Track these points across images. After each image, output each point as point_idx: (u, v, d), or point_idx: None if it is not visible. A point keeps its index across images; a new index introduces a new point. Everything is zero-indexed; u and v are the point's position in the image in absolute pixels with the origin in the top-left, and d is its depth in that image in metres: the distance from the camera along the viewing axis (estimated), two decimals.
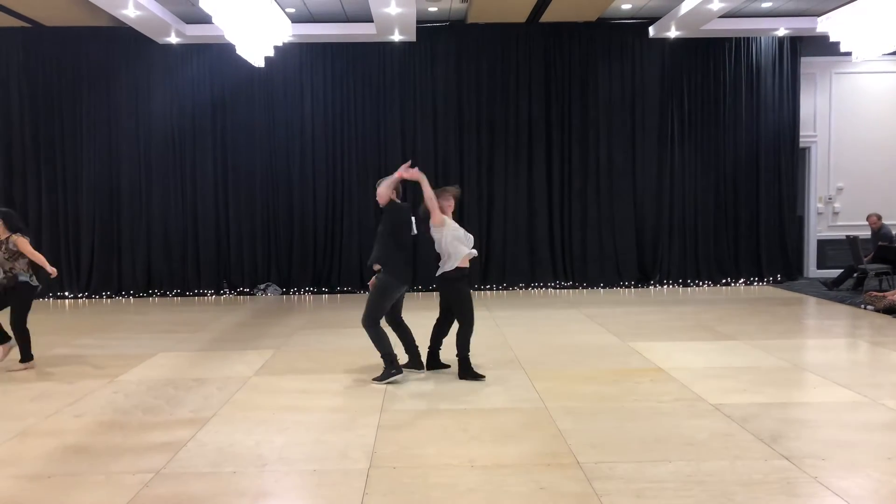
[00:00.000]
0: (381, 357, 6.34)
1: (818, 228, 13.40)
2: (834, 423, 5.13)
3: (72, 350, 8.01)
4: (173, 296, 12.32)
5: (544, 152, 12.53)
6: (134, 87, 12.24)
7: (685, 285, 12.64)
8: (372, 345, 6.39)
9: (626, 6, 11.63)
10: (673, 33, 11.92)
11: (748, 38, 12.62)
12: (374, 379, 6.36)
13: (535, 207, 12.55)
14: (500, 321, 9.39)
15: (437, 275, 6.48)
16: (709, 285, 12.63)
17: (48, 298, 12.10)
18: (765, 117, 12.73)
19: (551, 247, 12.64)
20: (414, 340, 6.68)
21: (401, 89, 12.40)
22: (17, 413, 5.60)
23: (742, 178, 12.75)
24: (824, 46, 12.12)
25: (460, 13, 11.91)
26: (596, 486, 4.06)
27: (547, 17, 11.76)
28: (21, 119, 12.18)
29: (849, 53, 10.51)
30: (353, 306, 10.60)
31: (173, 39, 11.64)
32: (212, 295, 12.38)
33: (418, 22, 11.28)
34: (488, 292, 12.32)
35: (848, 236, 11.77)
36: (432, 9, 11.52)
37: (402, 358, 6.65)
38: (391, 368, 6.30)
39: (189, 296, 12.33)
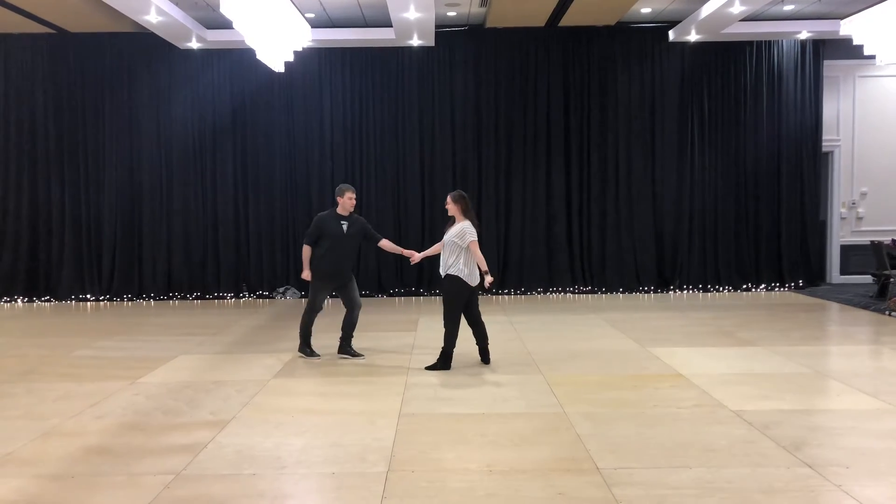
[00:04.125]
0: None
1: (841, 234, 13.23)
2: (857, 431, 5.06)
3: (93, 352, 8.09)
4: (193, 299, 12.42)
5: (563, 157, 12.50)
6: (155, 92, 12.38)
7: (705, 290, 12.53)
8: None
9: (646, 10, 11.58)
10: (693, 37, 11.85)
11: (770, 42, 12.51)
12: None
13: (554, 212, 12.51)
14: (518, 326, 9.36)
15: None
16: (729, 291, 12.51)
17: (70, 301, 12.25)
18: (786, 121, 12.60)
19: (570, 251, 12.59)
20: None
21: (419, 94, 12.43)
22: (40, 413, 5.67)
23: (763, 182, 12.63)
24: (847, 49, 11.98)
25: (479, 18, 11.92)
26: (615, 491, 4.03)
27: (566, 21, 11.74)
28: (46, 123, 12.36)
29: (872, 57, 10.37)
30: (371, 310, 10.61)
31: (194, 45, 11.75)
32: (231, 298, 12.46)
33: (437, 27, 11.31)
34: (506, 297, 12.29)
35: (872, 242, 11.61)
36: (451, 13, 11.54)
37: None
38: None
39: (209, 299, 12.41)
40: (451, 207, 6.99)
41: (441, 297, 7.11)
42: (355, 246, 7.52)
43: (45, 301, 12.29)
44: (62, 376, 6.93)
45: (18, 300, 12.28)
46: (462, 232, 6.81)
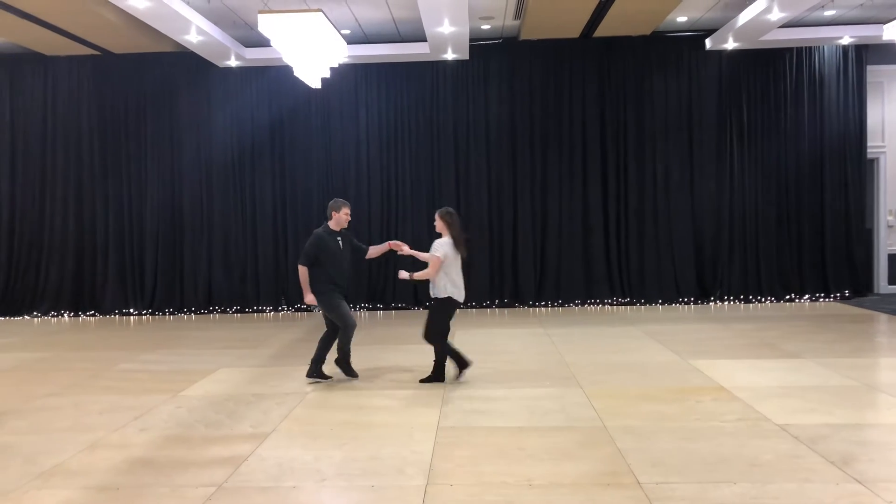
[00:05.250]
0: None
1: (889, 242, 12.89)
2: None
3: (137, 365, 8.25)
4: (233, 312, 12.59)
5: (599, 168, 12.42)
6: (196, 110, 12.66)
7: (747, 301, 12.30)
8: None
9: (682, 19, 11.49)
10: (731, 45, 11.71)
11: (810, 48, 12.30)
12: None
13: (591, 224, 12.42)
14: (556, 338, 9.29)
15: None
16: (771, 301, 12.26)
17: (114, 315, 12.51)
18: (829, 128, 12.36)
19: (608, 263, 12.47)
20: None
21: (454, 107, 12.49)
22: (87, 426, 5.80)
23: (805, 190, 12.38)
24: (892, 54, 11.74)
25: (513, 30, 11.95)
26: None
27: (601, 31, 11.69)
28: (91, 142, 12.71)
29: None
30: (408, 322, 10.65)
31: (233, 63, 11.99)
32: (270, 311, 12.61)
33: (471, 40, 11.36)
34: (543, 309, 12.21)
35: None
36: (485, 27, 11.59)
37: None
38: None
39: (248, 312, 12.57)
40: (438, 224, 6.89)
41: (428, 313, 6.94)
42: (349, 262, 7.23)
43: (90, 315, 12.58)
44: (107, 389, 7.07)
45: (65, 315, 12.59)
46: (433, 246, 6.74)
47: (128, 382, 7.34)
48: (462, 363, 6.95)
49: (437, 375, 6.91)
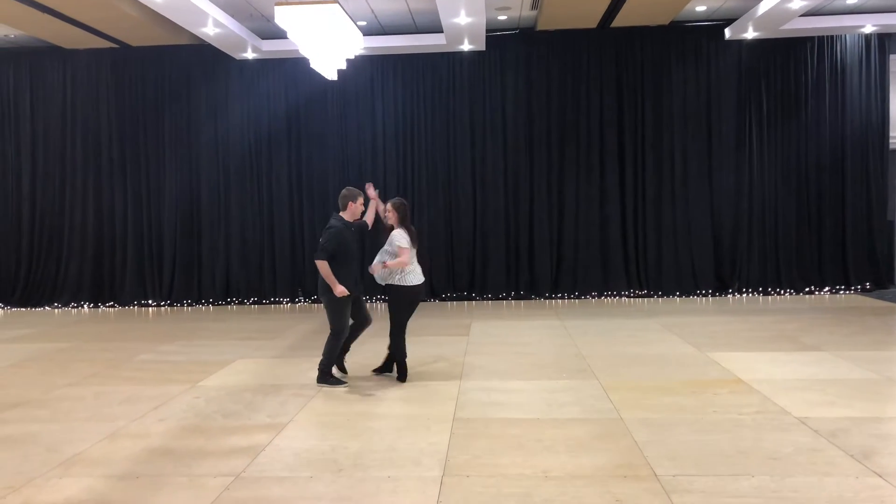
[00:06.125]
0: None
1: None
2: None
3: (156, 356, 8.33)
4: (250, 304, 12.67)
5: (617, 159, 12.34)
6: (213, 102, 12.71)
7: (765, 294, 12.19)
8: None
9: (701, 8, 11.36)
10: (750, 34, 11.57)
11: (832, 37, 12.12)
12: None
13: (608, 214, 12.35)
14: (573, 330, 9.27)
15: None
16: (791, 294, 12.15)
17: (133, 306, 12.63)
18: (850, 118, 12.19)
19: (625, 255, 12.41)
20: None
21: (470, 98, 12.45)
22: (107, 415, 5.87)
23: (826, 181, 12.23)
24: None
25: (530, 21, 11.88)
26: (675, 499, 3.95)
27: (618, 21, 11.60)
28: (109, 134, 12.81)
29: None
30: (425, 314, 10.66)
31: (250, 55, 12.02)
32: (287, 303, 12.67)
33: (488, 31, 11.31)
34: (560, 301, 12.18)
35: None
36: (502, 17, 11.53)
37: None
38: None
39: (265, 304, 12.64)
40: (391, 215, 6.75)
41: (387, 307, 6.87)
42: (358, 254, 6.99)
43: (109, 306, 12.71)
44: (127, 380, 7.14)
45: (85, 306, 12.73)
46: (390, 239, 6.63)
47: (147, 373, 7.41)
48: (386, 367, 6.95)
49: (401, 373, 6.80)
